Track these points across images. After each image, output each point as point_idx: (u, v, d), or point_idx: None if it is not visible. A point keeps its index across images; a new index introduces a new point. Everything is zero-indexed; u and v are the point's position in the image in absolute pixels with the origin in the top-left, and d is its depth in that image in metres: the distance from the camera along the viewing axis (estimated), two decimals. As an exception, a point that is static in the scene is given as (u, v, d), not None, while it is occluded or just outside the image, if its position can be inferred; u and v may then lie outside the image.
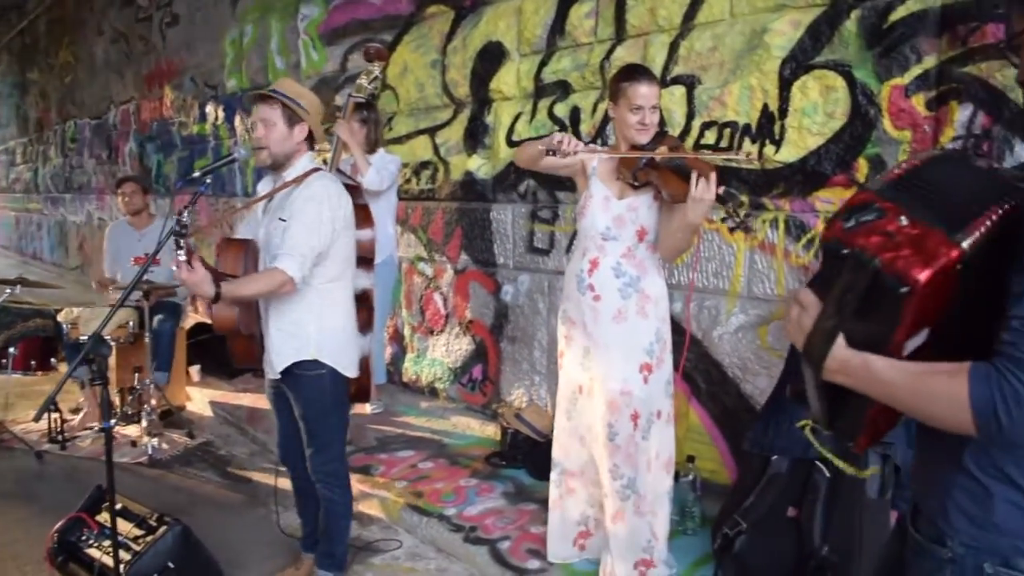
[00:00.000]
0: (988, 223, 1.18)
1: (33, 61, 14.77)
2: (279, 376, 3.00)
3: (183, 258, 2.58)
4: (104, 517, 3.11)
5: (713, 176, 2.64)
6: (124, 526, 3.11)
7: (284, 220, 2.87)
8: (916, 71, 3.11)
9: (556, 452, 3.22)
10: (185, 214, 2.65)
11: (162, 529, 3.09)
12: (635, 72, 2.88)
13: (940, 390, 1.18)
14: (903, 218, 1.21)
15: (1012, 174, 1.32)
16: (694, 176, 2.63)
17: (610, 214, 2.90)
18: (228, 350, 3.20)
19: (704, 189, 2.61)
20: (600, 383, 2.96)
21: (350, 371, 3.09)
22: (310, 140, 3.02)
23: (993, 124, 2.92)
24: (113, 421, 4.99)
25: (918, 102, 3.11)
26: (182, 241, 2.59)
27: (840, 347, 1.25)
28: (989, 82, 2.90)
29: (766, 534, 3.03)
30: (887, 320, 1.21)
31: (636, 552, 2.97)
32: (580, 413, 3.10)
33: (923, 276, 1.14)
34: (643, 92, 2.80)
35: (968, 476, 1.29)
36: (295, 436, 3.14)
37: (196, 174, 2.91)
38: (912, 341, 1.23)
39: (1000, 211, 1.20)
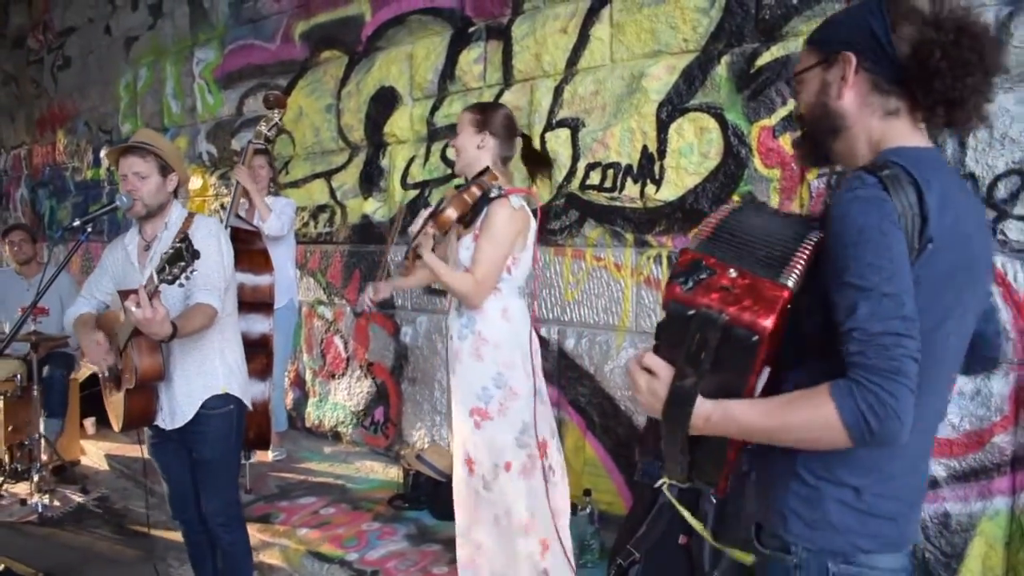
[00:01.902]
0: (803, 260, 1.29)
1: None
2: (180, 425, 2.90)
3: (144, 296, 2.41)
4: (-15, 582, 3.01)
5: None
6: (7, 590, 3.01)
7: None
8: (782, 112, 3.28)
9: None
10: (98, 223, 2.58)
11: (48, 591, 3.01)
12: None
13: (808, 418, 1.24)
14: (732, 271, 1.27)
15: (797, 216, 1.49)
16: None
17: (452, 254, 2.95)
18: (122, 411, 2.89)
19: None
20: (455, 424, 2.99)
21: (250, 404, 3.09)
22: (175, 191, 3.02)
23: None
24: (1, 479, 4.90)
25: (785, 141, 3.28)
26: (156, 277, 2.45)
27: (700, 403, 1.28)
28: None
29: (659, 563, 3.07)
30: (740, 368, 1.27)
31: None
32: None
33: (769, 323, 1.22)
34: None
35: (801, 482, 1.39)
36: (191, 487, 3.06)
37: (76, 222, 2.86)
38: (761, 380, 1.31)
39: (811, 246, 1.31)
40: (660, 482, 1.54)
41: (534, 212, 2.93)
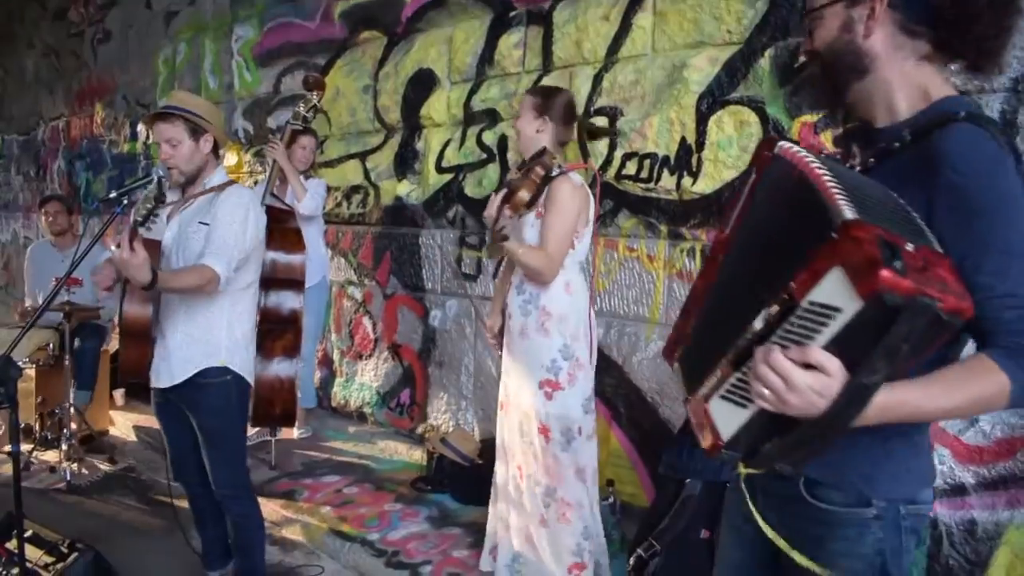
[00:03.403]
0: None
1: (-40, 74, 14.39)
2: (172, 387, 2.91)
3: (126, 237, 2.43)
4: (13, 544, 3.04)
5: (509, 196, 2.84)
6: (34, 553, 3.05)
7: (206, 224, 2.84)
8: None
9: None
10: (134, 194, 2.63)
11: (73, 556, 3.05)
12: None
13: (983, 392, 1.23)
14: (908, 245, 1.11)
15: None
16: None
17: (516, 233, 3.00)
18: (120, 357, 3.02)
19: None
20: (513, 398, 3.05)
21: (251, 379, 3.07)
22: (215, 150, 3.00)
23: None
24: (31, 446, 4.97)
25: (826, 138, 3.23)
26: (136, 216, 2.51)
27: (879, 394, 1.19)
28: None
29: (680, 556, 3.10)
30: (920, 354, 1.15)
31: (568, 557, 3.02)
32: (499, 429, 3.17)
33: (968, 306, 1.11)
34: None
35: (880, 437, 1.37)
36: (190, 451, 3.06)
37: (113, 194, 2.87)
38: None
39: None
40: (738, 470, 1.47)
41: (591, 182, 3.03)
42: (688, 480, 3.16)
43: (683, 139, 3.64)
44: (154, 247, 2.97)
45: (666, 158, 3.70)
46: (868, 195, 1.21)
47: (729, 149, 3.49)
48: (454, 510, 4.12)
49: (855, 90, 1.43)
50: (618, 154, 3.88)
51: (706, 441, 1.38)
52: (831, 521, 1.43)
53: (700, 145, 3.58)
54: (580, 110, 4.02)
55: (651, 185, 3.74)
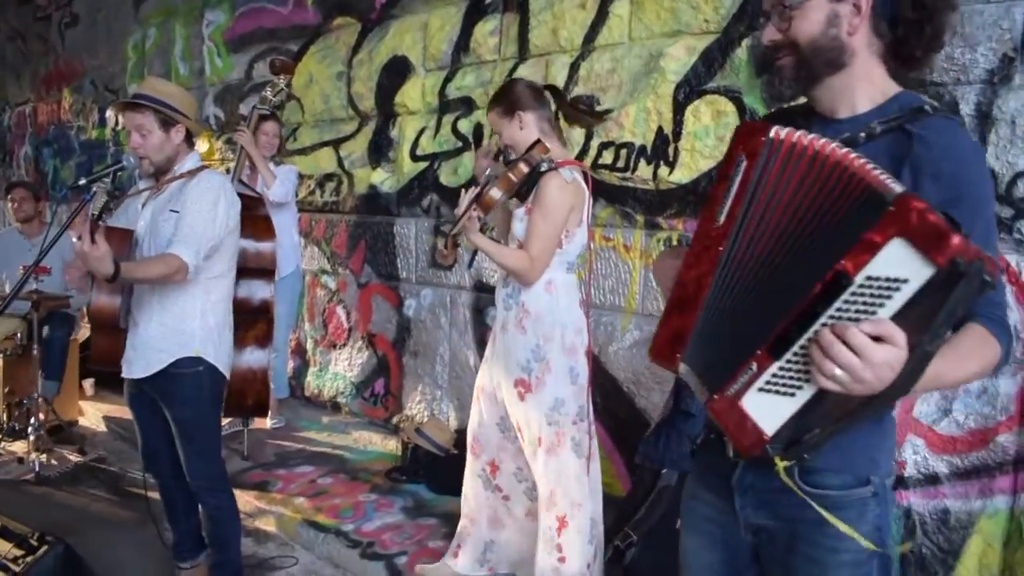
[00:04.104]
0: None
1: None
2: (145, 377, 2.87)
3: (86, 229, 2.39)
4: (-19, 538, 3.00)
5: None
6: (3, 546, 2.99)
7: (177, 212, 2.78)
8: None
9: None
10: (94, 186, 2.58)
11: (43, 548, 2.98)
12: None
13: (986, 360, 1.33)
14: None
15: None
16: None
17: (504, 227, 2.98)
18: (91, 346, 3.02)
19: None
20: (498, 392, 3.00)
21: (227, 371, 3.02)
22: (188, 139, 2.94)
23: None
24: (-4, 436, 4.89)
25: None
26: (93, 210, 2.47)
27: None
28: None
29: (656, 546, 3.10)
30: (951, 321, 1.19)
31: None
32: (476, 420, 3.12)
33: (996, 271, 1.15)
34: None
35: (877, 419, 1.46)
36: (162, 441, 3.02)
37: (82, 181, 2.80)
38: None
39: None
40: (777, 466, 1.39)
41: (585, 179, 2.89)
42: (664, 470, 3.17)
43: (660, 128, 3.63)
44: (125, 236, 2.91)
45: (643, 147, 3.69)
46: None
47: (706, 139, 3.49)
48: (429, 500, 4.10)
49: (827, 83, 1.46)
50: (595, 143, 3.87)
51: (745, 440, 1.33)
52: (829, 506, 1.43)
53: (677, 135, 3.58)
54: (557, 99, 4.00)
55: (628, 175, 3.74)
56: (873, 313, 1.16)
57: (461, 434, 4.24)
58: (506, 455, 3.04)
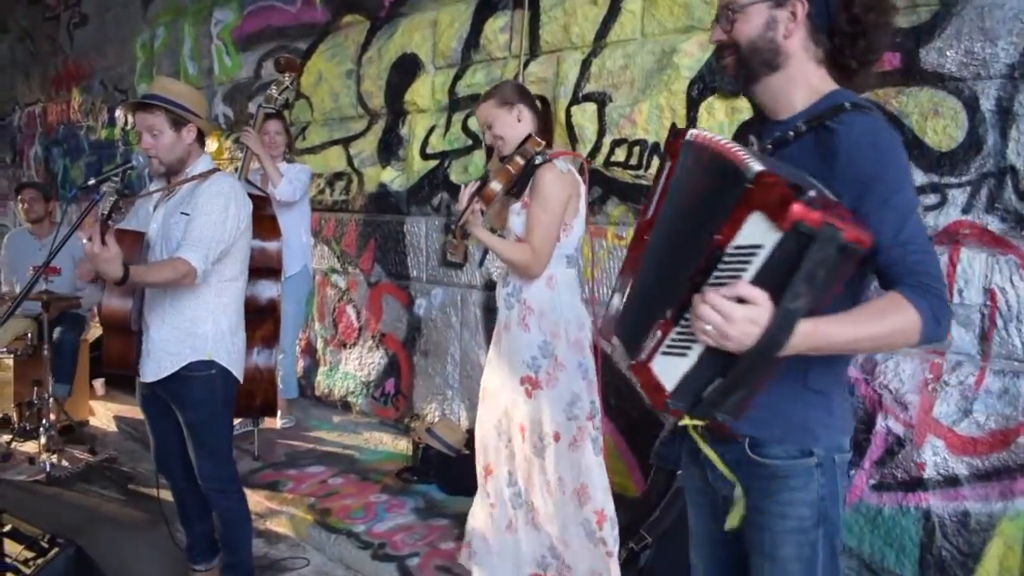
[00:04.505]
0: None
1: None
2: (158, 380, 2.86)
3: (97, 231, 2.38)
4: (-9, 540, 2.98)
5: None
6: (14, 548, 2.98)
7: (187, 214, 2.77)
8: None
9: None
10: (104, 187, 2.57)
11: (54, 551, 2.97)
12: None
13: (896, 324, 1.39)
14: (811, 191, 1.27)
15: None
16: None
17: (502, 222, 2.94)
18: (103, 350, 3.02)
19: None
20: (496, 395, 2.97)
21: (240, 374, 3.01)
22: (200, 139, 2.93)
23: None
24: (10, 437, 4.89)
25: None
26: (103, 210, 2.46)
27: (800, 323, 1.33)
28: (886, 107, 3.00)
29: (671, 548, 3.07)
30: (833, 283, 1.32)
31: (529, 566, 2.93)
32: (478, 422, 3.09)
33: (868, 237, 1.29)
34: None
35: (815, 393, 1.57)
36: (174, 443, 3.03)
37: (91, 181, 2.77)
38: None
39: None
40: (683, 422, 1.57)
41: (579, 169, 2.88)
42: (679, 471, 3.13)
43: (673, 125, 3.58)
44: (137, 239, 2.91)
45: (656, 145, 3.65)
46: (772, 162, 1.39)
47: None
48: (441, 501, 4.07)
49: (764, 83, 1.60)
50: (607, 140, 3.83)
51: (654, 397, 1.49)
52: (779, 474, 1.57)
53: (690, 132, 3.53)
54: (568, 96, 3.97)
55: (641, 172, 3.70)
56: (738, 277, 1.32)
57: (472, 434, 4.22)
58: (499, 458, 3.00)
